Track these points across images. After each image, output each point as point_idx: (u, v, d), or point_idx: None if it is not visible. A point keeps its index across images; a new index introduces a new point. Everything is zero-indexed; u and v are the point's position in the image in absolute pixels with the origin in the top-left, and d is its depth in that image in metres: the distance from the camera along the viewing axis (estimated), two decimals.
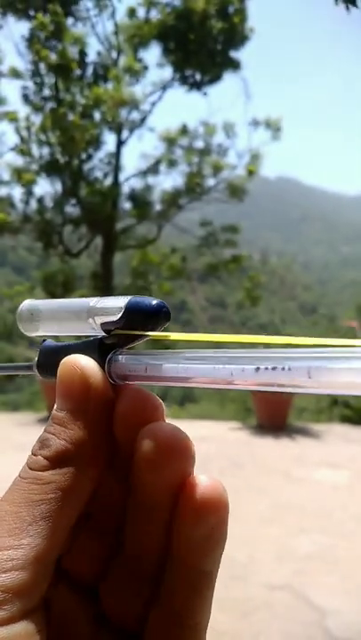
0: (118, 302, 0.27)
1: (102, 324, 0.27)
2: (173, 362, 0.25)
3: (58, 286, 9.11)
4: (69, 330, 0.29)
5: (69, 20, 9.17)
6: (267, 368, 0.22)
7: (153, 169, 10.22)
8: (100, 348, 0.27)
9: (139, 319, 0.26)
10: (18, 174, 9.28)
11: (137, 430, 0.25)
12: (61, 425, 0.25)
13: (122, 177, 10.27)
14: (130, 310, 0.26)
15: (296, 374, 0.21)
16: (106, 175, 10.07)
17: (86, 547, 0.27)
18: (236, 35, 9.33)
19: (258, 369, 0.22)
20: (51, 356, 0.29)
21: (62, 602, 0.26)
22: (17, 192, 9.27)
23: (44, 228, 9.44)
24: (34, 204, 9.56)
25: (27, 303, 0.31)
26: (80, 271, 10.77)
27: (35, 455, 0.25)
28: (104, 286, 9.59)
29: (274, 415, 5.21)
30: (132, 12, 9.64)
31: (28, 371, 0.31)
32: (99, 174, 10.02)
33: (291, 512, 3.09)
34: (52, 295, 9.42)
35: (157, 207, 10.35)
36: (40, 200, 9.60)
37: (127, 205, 10.38)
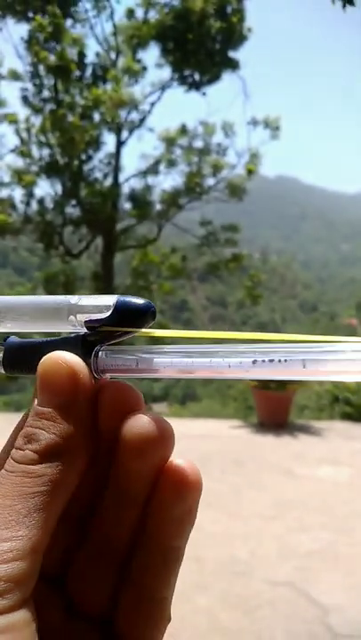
0: (106, 301, 0.28)
1: (86, 322, 0.28)
2: (167, 356, 0.27)
3: (59, 287, 9.13)
4: (44, 327, 0.30)
5: (68, 22, 9.19)
6: (263, 360, 0.25)
7: (153, 169, 10.24)
8: (83, 345, 0.28)
9: (127, 317, 0.28)
10: (18, 176, 9.30)
11: (120, 421, 0.26)
12: (50, 420, 0.26)
13: (122, 177, 10.30)
14: (119, 309, 0.28)
15: (292, 365, 0.25)
16: (106, 176, 10.09)
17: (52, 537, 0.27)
18: (234, 34, 9.34)
19: (255, 361, 0.25)
20: (21, 353, 0.29)
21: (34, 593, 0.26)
22: (17, 193, 9.31)
23: (44, 228, 9.47)
24: (34, 206, 9.60)
25: None
26: (81, 272, 10.78)
27: (21, 449, 0.25)
28: (105, 286, 9.61)
29: (275, 413, 5.22)
30: (130, 13, 9.65)
31: None
32: (99, 175, 10.05)
33: (292, 509, 3.11)
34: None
35: (157, 207, 10.37)
36: (41, 201, 9.62)
37: (127, 206, 10.41)
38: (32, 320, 0.30)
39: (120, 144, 10.07)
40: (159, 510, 0.27)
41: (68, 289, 9.06)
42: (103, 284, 9.73)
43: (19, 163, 9.56)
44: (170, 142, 10.08)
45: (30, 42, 8.84)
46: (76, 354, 0.27)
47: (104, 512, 0.28)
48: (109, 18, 9.82)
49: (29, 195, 9.50)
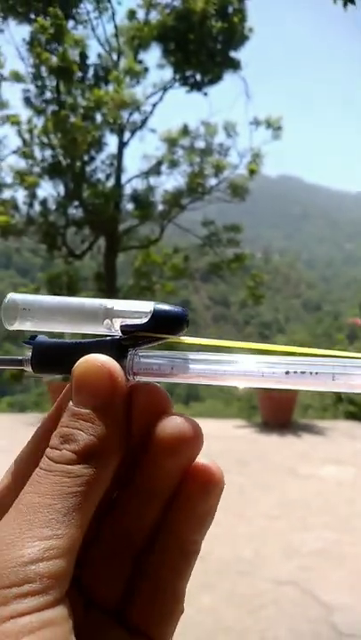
0: (143, 307, 0.29)
1: (122, 326, 0.29)
2: (201, 363, 0.28)
3: (62, 288, 9.14)
4: (76, 328, 0.30)
5: (70, 23, 9.20)
6: (295, 372, 0.27)
7: (155, 170, 10.24)
8: (117, 348, 0.29)
9: (163, 324, 0.29)
10: (21, 177, 9.32)
11: (152, 422, 0.27)
12: (87, 421, 0.26)
13: (124, 178, 10.31)
14: (156, 316, 0.29)
15: (322, 378, 0.27)
16: (108, 177, 10.11)
17: None
18: (235, 34, 9.34)
19: (288, 372, 0.27)
20: (52, 353, 0.30)
21: None
22: (20, 195, 9.32)
23: (47, 230, 9.49)
24: (37, 207, 9.61)
25: (19, 297, 0.32)
26: (84, 272, 10.80)
27: (57, 449, 0.26)
28: (108, 287, 9.63)
29: (279, 413, 5.22)
30: (131, 14, 9.66)
31: (19, 365, 0.31)
32: (101, 176, 10.06)
33: (296, 509, 3.11)
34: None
35: (160, 207, 10.37)
36: (43, 202, 9.64)
37: (130, 206, 10.42)
38: (65, 321, 0.30)
39: (122, 145, 10.08)
40: (183, 506, 0.28)
41: (71, 290, 9.08)
42: (106, 284, 9.75)
43: (21, 164, 9.59)
44: (172, 143, 10.08)
45: (32, 43, 8.86)
46: (111, 356, 0.27)
47: (125, 507, 0.29)
48: (111, 19, 9.83)
49: (32, 196, 9.52)
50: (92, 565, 0.29)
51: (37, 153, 9.45)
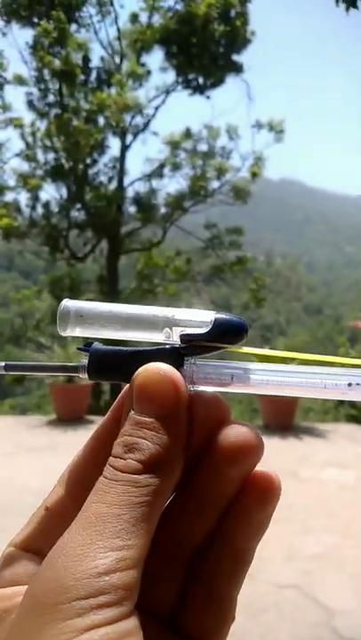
0: (204, 316, 0.29)
1: (182, 335, 0.29)
2: (262, 373, 0.29)
3: (64, 290, 9.16)
4: (134, 336, 0.30)
5: (73, 27, 9.25)
6: (358, 384, 0.27)
7: (157, 172, 10.27)
8: (177, 357, 0.29)
9: (224, 334, 0.29)
10: (24, 180, 9.36)
11: (213, 431, 0.27)
12: (152, 430, 0.26)
13: (126, 181, 10.35)
14: (218, 325, 0.29)
15: None
16: (110, 179, 10.14)
17: None
18: (237, 38, 9.37)
19: (350, 384, 0.27)
20: (109, 360, 0.29)
21: None
22: (23, 197, 9.36)
23: (50, 232, 9.52)
24: (40, 209, 9.64)
25: (75, 304, 0.32)
26: (86, 275, 10.82)
27: (121, 458, 0.25)
28: (110, 290, 9.64)
29: (280, 415, 5.21)
30: (134, 18, 9.71)
31: (73, 372, 0.30)
32: (103, 179, 10.10)
33: (298, 512, 3.10)
34: (59, 299, 9.46)
35: (162, 210, 10.40)
36: (46, 205, 9.67)
37: (132, 209, 10.45)
38: (123, 328, 0.30)
39: (125, 148, 10.12)
40: (240, 514, 0.28)
41: (74, 292, 9.10)
42: (108, 287, 9.76)
43: (24, 167, 9.63)
44: (174, 146, 10.11)
45: (35, 47, 8.90)
46: (171, 365, 0.27)
47: (179, 515, 0.28)
48: (113, 22, 9.89)
49: (35, 198, 9.55)
50: (145, 574, 0.28)
51: (40, 156, 9.50)
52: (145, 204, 10.08)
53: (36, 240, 9.78)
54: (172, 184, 12.07)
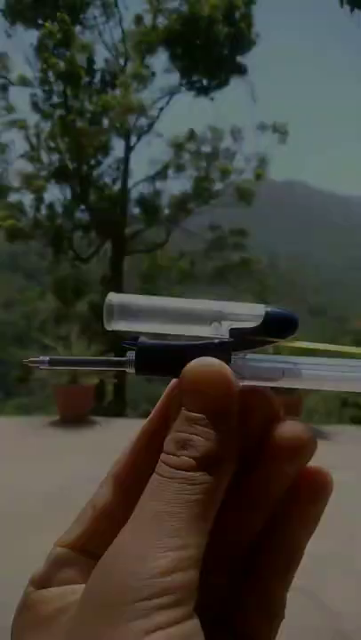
0: (254, 310, 0.28)
1: (232, 329, 0.28)
2: (313, 368, 0.28)
3: (68, 291, 9.18)
4: (181, 330, 0.29)
5: (77, 29, 9.28)
6: None
7: (161, 174, 10.29)
8: (226, 351, 0.28)
9: (275, 328, 0.28)
10: (28, 181, 9.39)
11: (265, 428, 0.27)
12: (205, 426, 0.25)
13: (130, 182, 10.36)
14: (269, 319, 0.28)
15: None
16: (115, 181, 10.16)
17: None
18: (242, 40, 9.38)
19: None
20: (157, 355, 0.29)
21: None
22: (27, 198, 9.40)
23: (54, 233, 9.54)
24: (44, 211, 9.67)
25: (121, 297, 0.31)
26: (90, 276, 10.84)
27: (175, 455, 0.25)
28: (114, 291, 9.62)
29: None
30: (138, 20, 9.73)
31: (119, 367, 0.30)
32: (107, 180, 10.12)
33: None
34: (63, 300, 9.50)
35: (166, 212, 10.41)
36: (50, 206, 9.69)
37: (136, 210, 10.47)
38: (170, 322, 0.30)
39: (129, 149, 10.14)
40: (294, 512, 0.28)
41: (78, 293, 9.11)
42: (112, 288, 9.76)
43: (28, 168, 9.66)
44: (178, 147, 10.13)
45: (40, 48, 8.94)
46: (221, 360, 0.27)
47: (229, 513, 0.27)
48: (118, 24, 9.92)
49: (39, 200, 9.58)
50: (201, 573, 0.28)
51: (44, 157, 9.53)
52: (149, 206, 10.10)
53: (40, 241, 9.81)
54: (177, 185, 12.17)
